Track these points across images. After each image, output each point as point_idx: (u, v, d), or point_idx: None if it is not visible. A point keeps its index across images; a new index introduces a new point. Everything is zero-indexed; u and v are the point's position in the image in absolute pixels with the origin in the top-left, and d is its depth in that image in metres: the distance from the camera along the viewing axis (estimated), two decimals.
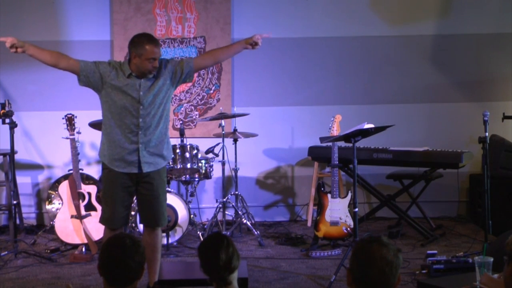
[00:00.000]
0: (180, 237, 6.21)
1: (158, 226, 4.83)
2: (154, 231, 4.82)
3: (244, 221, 6.53)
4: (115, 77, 4.60)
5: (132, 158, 4.64)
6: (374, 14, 7.36)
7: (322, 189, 6.04)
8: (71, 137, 6.24)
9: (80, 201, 6.17)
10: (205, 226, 6.59)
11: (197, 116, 7.27)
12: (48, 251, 6.08)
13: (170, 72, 4.68)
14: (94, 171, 7.10)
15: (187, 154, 6.34)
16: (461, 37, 7.41)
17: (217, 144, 6.61)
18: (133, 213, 5.90)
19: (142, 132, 4.62)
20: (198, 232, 6.38)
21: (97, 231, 6.10)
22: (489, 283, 3.46)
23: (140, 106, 4.59)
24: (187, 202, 6.34)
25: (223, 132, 6.52)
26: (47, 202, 7.00)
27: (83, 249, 5.96)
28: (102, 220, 4.81)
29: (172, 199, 6.10)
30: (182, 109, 7.26)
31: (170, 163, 6.20)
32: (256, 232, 6.43)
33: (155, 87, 4.62)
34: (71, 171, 6.29)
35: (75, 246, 6.05)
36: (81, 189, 6.19)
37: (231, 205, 6.57)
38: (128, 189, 4.71)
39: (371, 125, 5.29)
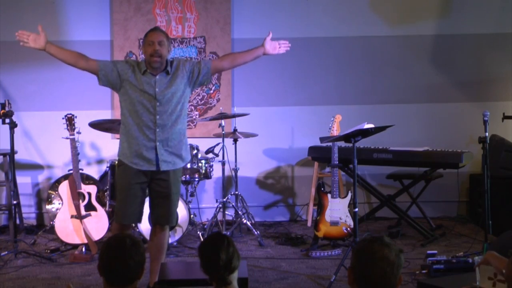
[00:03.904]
0: (180, 237, 6.21)
1: (167, 224, 4.86)
2: (162, 231, 4.84)
3: (244, 221, 6.54)
4: (132, 75, 4.66)
5: (150, 155, 4.67)
6: (374, 14, 7.36)
7: (322, 189, 6.04)
8: (71, 137, 6.24)
9: (80, 201, 6.16)
10: (205, 226, 6.59)
11: (197, 116, 7.27)
12: (48, 251, 6.08)
13: (188, 72, 4.73)
14: (94, 171, 7.11)
15: None
16: (461, 37, 7.41)
17: (217, 144, 6.61)
18: None
19: (159, 130, 4.66)
20: (198, 232, 6.38)
21: (97, 231, 6.10)
22: (493, 260, 3.41)
23: (157, 102, 4.64)
24: (187, 202, 6.35)
25: (223, 132, 6.52)
26: (47, 202, 7.00)
27: (83, 249, 5.96)
28: (115, 216, 4.85)
29: None
30: None
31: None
32: (256, 232, 6.43)
33: (172, 84, 4.68)
34: (71, 171, 6.29)
35: (75, 246, 6.04)
36: (81, 189, 6.19)
37: (231, 205, 6.57)
38: (142, 186, 4.74)
39: (371, 125, 5.29)
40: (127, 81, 4.66)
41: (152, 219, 4.88)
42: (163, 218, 4.81)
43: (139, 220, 4.93)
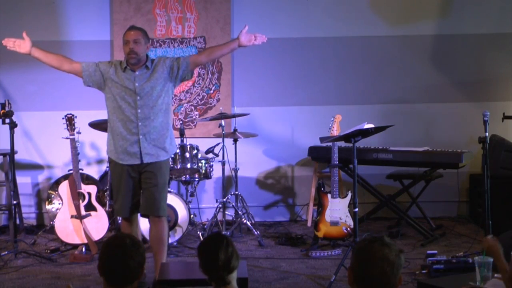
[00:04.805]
0: (180, 237, 6.21)
1: (154, 215, 5.02)
2: (158, 223, 5.04)
3: (244, 221, 6.53)
4: (114, 73, 4.94)
5: (134, 149, 4.92)
6: (374, 14, 7.36)
7: (322, 189, 6.03)
8: (71, 137, 6.24)
9: (80, 201, 6.16)
10: (205, 226, 6.59)
11: (197, 116, 7.27)
12: (48, 251, 6.08)
13: (168, 67, 4.98)
14: (94, 171, 7.11)
15: (187, 154, 6.33)
16: (461, 37, 7.41)
17: (217, 144, 6.61)
18: None
19: (141, 123, 4.90)
20: (198, 232, 6.38)
21: (97, 231, 6.10)
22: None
23: (137, 97, 4.89)
24: (187, 202, 6.35)
25: (223, 132, 6.51)
26: (47, 202, 6.99)
27: (83, 249, 5.96)
28: (114, 211, 5.19)
29: (172, 199, 6.10)
30: (182, 109, 7.26)
31: (171, 162, 6.24)
32: (256, 232, 6.43)
33: (152, 79, 4.93)
34: (71, 171, 6.29)
35: (75, 246, 6.04)
36: (81, 189, 6.19)
37: (231, 205, 6.56)
38: (133, 179, 4.99)
39: (371, 125, 5.29)
40: (110, 79, 4.94)
41: (140, 210, 5.07)
42: (149, 208, 5.01)
43: (136, 211, 5.10)
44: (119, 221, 6.27)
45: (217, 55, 5.22)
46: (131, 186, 5.00)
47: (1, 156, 6.59)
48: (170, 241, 6.10)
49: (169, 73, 4.96)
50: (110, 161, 5.08)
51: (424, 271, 5.24)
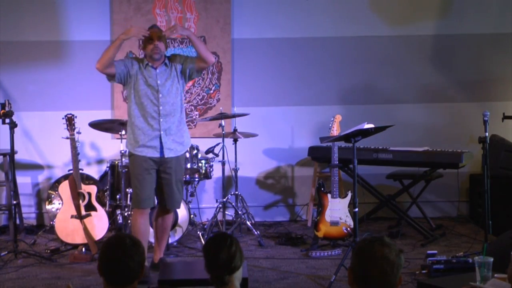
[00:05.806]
0: (180, 237, 6.21)
1: (172, 208, 5.41)
2: (167, 213, 5.40)
3: (244, 221, 6.53)
4: (138, 69, 5.17)
5: (155, 143, 5.17)
6: (374, 14, 7.36)
7: (322, 189, 6.03)
8: (71, 137, 6.23)
9: (80, 201, 6.16)
10: (205, 226, 6.59)
11: (197, 116, 7.27)
12: (48, 251, 6.07)
13: (180, 64, 5.25)
14: (94, 171, 7.11)
15: (187, 154, 6.33)
16: (461, 37, 7.41)
17: (217, 144, 6.61)
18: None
19: (163, 120, 5.17)
20: (198, 232, 6.37)
21: (97, 231, 6.10)
22: None
23: (160, 94, 5.15)
24: (187, 202, 6.34)
25: (223, 132, 6.51)
26: (47, 202, 6.99)
27: (83, 249, 5.96)
28: (133, 203, 5.38)
29: None
30: None
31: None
32: (256, 232, 6.43)
33: (171, 77, 5.20)
34: (71, 171, 6.28)
35: (75, 246, 6.04)
36: (81, 189, 6.18)
37: (231, 205, 6.56)
38: (152, 172, 5.22)
39: (371, 125, 5.28)
40: (134, 76, 5.16)
41: (159, 202, 5.42)
42: (170, 203, 5.34)
43: (154, 204, 5.40)
44: (120, 221, 6.29)
45: (199, 53, 5.22)
46: (151, 180, 5.22)
47: (1, 156, 6.59)
48: (170, 241, 6.10)
49: (181, 71, 5.26)
50: (130, 154, 5.28)
51: (424, 271, 5.24)
